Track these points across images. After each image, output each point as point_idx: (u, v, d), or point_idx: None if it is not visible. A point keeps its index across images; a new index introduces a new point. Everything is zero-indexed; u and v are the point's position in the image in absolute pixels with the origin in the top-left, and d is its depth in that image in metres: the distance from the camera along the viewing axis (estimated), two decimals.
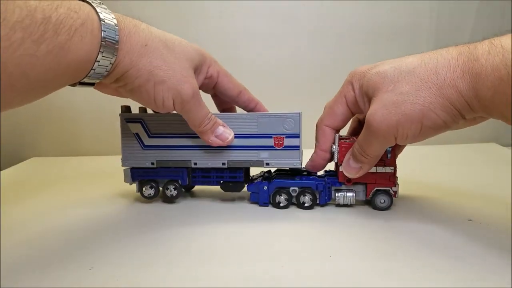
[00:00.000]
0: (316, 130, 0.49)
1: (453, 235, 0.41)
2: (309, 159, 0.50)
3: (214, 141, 0.46)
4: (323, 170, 0.52)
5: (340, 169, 0.47)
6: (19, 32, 0.27)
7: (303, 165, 0.50)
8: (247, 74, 0.86)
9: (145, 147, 0.50)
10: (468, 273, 0.33)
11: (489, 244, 0.38)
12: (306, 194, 0.48)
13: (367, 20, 0.85)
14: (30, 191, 0.60)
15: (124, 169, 0.51)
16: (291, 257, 0.37)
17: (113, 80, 0.39)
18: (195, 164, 0.50)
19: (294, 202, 0.49)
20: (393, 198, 0.48)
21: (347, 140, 0.47)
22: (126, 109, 0.50)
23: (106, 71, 0.36)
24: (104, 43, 0.34)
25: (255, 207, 0.50)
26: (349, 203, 0.48)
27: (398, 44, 0.87)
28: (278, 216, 0.47)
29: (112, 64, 0.36)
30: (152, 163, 0.50)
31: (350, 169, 0.45)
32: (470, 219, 0.44)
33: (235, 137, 0.47)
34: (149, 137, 0.49)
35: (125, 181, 0.51)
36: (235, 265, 0.35)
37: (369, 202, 0.48)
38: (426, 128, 0.38)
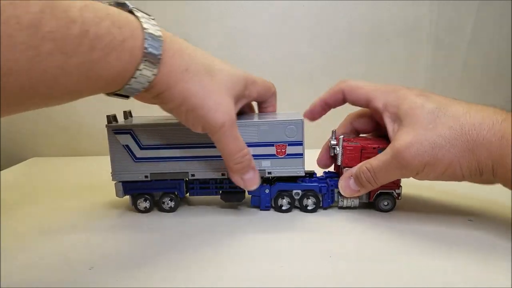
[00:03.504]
0: (335, 85, 0.49)
1: (453, 235, 0.41)
2: (309, 107, 0.50)
3: (237, 181, 0.44)
4: (323, 171, 0.52)
5: (344, 171, 0.47)
6: (49, 43, 0.26)
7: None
8: None
9: (137, 159, 0.47)
10: (468, 273, 0.34)
11: (489, 244, 0.39)
12: (309, 197, 0.48)
13: (367, 20, 0.85)
14: (30, 191, 0.60)
15: (115, 183, 0.48)
16: (291, 258, 0.37)
17: (151, 96, 0.38)
18: (193, 175, 0.47)
19: (297, 205, 0.49)
20: (397, 200, 0.48)
21: (351, 143, 0.47)
22: (113, 118, 0.47)
23: (143, 87, 0.35)
24: (144, 61, 0.33)
25: (255, 211, 0.49)
26: (352, 206, 0.48)
27: (398, 44, 0.87)
28: (279, 218, 0.47)
29: (150, 82, 0.35)
30: (146, 176, 0.47)
31: (348, 190, 0.46)
32: (470, 219, 0.45)
33: None
34: (141, 149, 0.46)
35: (116, 196, 0.48)
36: (235, 265, 0.36)
37: (372, 204, 0.48)
38: (445, 175, 0.40)
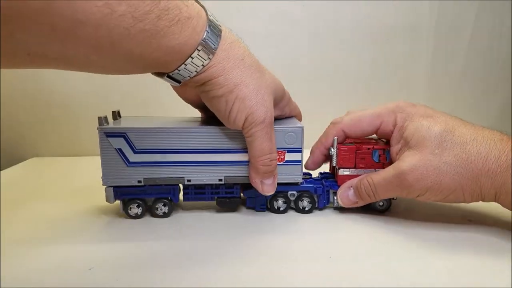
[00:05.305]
0: (330, 127, 0.49)
1: (453, 235, 0.41)
2: (310, 155, 0.50)
3: (256, 183, 0.44)
4: (319, 172, 0.52)
5: (339, 172, 0.47)
6: (124, 5, 0.29)
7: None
8: None
9: (130, 164, 0.45)
10: (468, 273, 0.34)
11: (489, 244, 0.39)
12: (305, 198, 0.48)
13: (367, 20, 0.85)
14: (30, 191, 0.60)
15: (105, 188, 0.46)
16: (290, 258, 0.37)
17: (199, 84, 0.39)
18: (189, 181, 0.46)
19: (293, 206, 0.49)
20: (392, 200, 0.48)
21: (346, 144, 0.47)
22: (104, 120, 0.45)
23: (196, 71, 0.37)
24: (204, 42, 0.35)
25: (251, 212, 0.49)
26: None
27: (398, 44, 0.86)
28: (275, 220, 0.47)
29: (204, 66, 0.37)
30: (139, 181, 0.45)
31: (346, 200, 0.46)
32: (470, 219, 0.45)
33: (234, 151, 0.45)
34: (135, 153, 0.45)
35: (106, 201, 0.46)
36: (234, 266, 0.36)
37: (368, 205, 0.48)
38: (447, 199, 0.40)
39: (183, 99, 0.47)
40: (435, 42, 0.87)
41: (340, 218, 0.47)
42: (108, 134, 0.44)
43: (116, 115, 0.49)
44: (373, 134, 0.47)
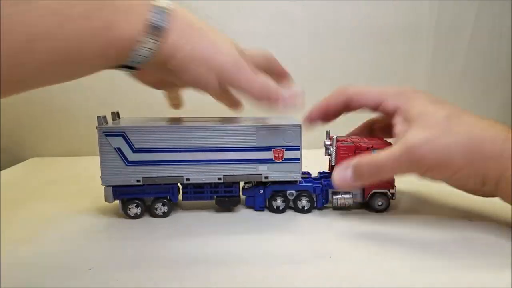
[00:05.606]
0: (336, 90, 0.48)
1: (453, 235, 0.41)
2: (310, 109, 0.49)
3: (283, 99, 0.41)
4: (318, 172, 0.52)
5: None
6: (77, 7, 0.29)
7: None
8: None
9: (129, 163, 0.45)
10: (468, 273, 0.34)
11: (489, 244, 0.39)
12: (303, 197, 0.48)
13: (367, 20, 0.85)
14: (30, 192, 0.60)
15: (104, 188, 0.46)
16: (290, 258, 0.37)
17: (158, 66, 0.38)
18: (188, 179, 0.46)
19: (291, 205, 0.49)
20: (391, 199, 0.48)
21: (345, 142, 0.47)
22: (103, 120, 0.45)
23: (151, 54, 0.35)
24: (151, 24, 0.34)
25: (250, 211, 0.49)
26: (346, 206, 0.48)
27: (398, 44, 0.86)
28: (274, 219, 0.47)
29: (159, 47, 0.35)
30: (138, 180, 0.46)
31: (343, 182, 0.42)
32: (470, 219, 0.45)
33: (232, 150, 0.45)
34: (134, 152, 0.45)
35: (105, 201, 0.46)
36: (234, 266, 0.36)
37: (366, 204, 0.48)
38: (451, 179, 0.40)
39: (145, 83, 0.46)
40: (435, 42, 0.87)
41: (339, 218, 0.47)
42: (107, 133, 0.44)
43: (115, 116, 0.49)
44: (373, 109, 0.46)
